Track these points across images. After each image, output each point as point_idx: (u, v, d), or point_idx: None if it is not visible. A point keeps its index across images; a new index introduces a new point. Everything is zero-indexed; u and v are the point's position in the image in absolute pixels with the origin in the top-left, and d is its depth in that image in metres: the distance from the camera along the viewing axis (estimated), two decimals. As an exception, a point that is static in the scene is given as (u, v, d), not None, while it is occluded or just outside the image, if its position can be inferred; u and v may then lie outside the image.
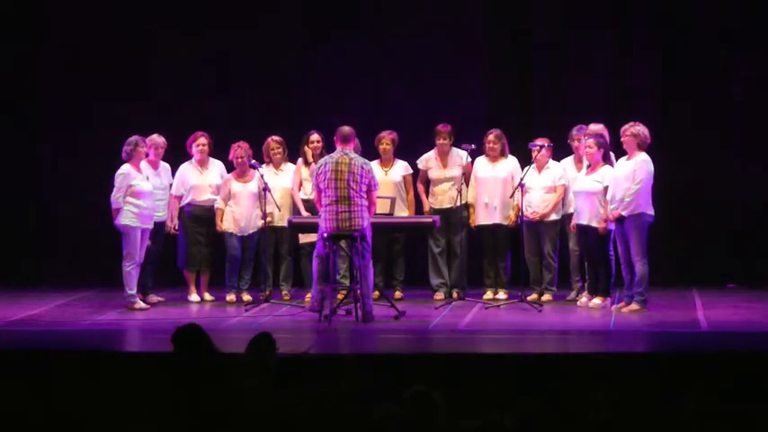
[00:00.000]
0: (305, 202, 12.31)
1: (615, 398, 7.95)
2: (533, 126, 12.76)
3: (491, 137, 12.16)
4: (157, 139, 12.13)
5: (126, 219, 11.70)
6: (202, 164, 12.31)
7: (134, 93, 13.39)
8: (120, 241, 11.75)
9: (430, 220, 11.75)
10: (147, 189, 11.76)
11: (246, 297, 12.31)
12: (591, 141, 11.45)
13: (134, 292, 11.73)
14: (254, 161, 12.07)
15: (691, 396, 7.92)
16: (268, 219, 12.09)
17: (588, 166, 11.53)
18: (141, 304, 11.76)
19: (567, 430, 7.74)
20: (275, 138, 12.39)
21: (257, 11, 13.52)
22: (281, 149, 12.38)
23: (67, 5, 13.59)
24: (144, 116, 12.91)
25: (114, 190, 11.69)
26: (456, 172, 12.26)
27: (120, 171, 11.72)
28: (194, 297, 12.34)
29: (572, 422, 7.75)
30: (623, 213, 11.09)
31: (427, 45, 13.42)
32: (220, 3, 13.57)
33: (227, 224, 12.25)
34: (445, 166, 12.33)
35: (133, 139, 11.78)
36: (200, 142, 12.28)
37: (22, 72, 13.64)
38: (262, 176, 11.99)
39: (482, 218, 12.22)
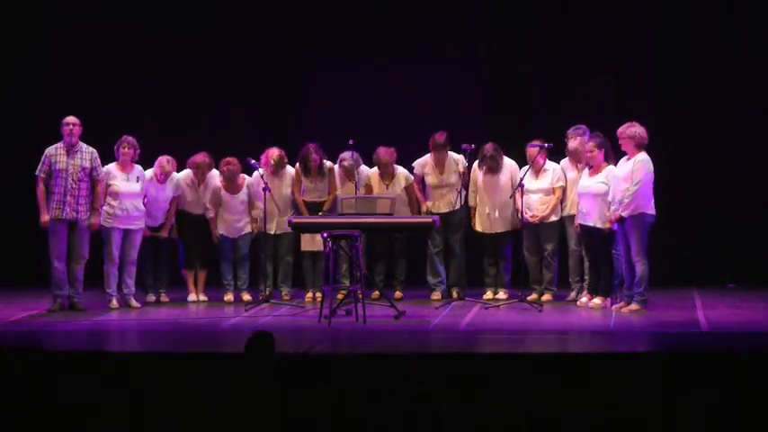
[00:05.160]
0: (305, 203, 12.31)
1: (615, 398, 7.96)
2: (531, 127, 12.77)
3: (488, 152, 12.06)
4: (165, 165, 12.10)
5: (102, 218, 11.79)
6: (200, 183, 12.33)
7: (138, 96, 13.45)
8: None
9: (430, 220, 11.74)
10: (124, 190, 11.81)
11: (246, 297, 12.32)
12: (591, 145, 11.47)
13: (111, 290, 11.85)
14: (253, 161, 12.08)
15: (691, 396, 7.94)
16: (254, 225, 12.22)
17: (590, 168, 11.55)
18: (114, 303, 11.84)
19: (566, 430, 7.74)
20: (275, 153, 12.27)
21: (257, 26, 13.54)
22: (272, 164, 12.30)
23: (74, 12, 13.66)
24: (145, 118, 12.98)
25: None
26: (453, 179, 12.25)
27: (104, 167, 11.81)
28: (192, 297, 12.37)
29: (571, 422, 7.76)
30: (623, 214, 11.09)
31: (427, 47, 13.44)
32: (223, 19, 13.60)
33: (219, 228, 12.33)
34: (442, 173, 12.32)
35: (120, 139, 11.84)
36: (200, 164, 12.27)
37: (24, 73, 13.68)
38: (262, 176, 12.03)
39: (483, 226, 12.24)
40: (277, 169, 12.23)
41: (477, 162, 12.21)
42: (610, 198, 11.25)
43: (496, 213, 12.17)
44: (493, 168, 12.10)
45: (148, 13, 13.61)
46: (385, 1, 13.59)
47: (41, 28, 13.75)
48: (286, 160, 12.32)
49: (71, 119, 11.72)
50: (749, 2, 13.17)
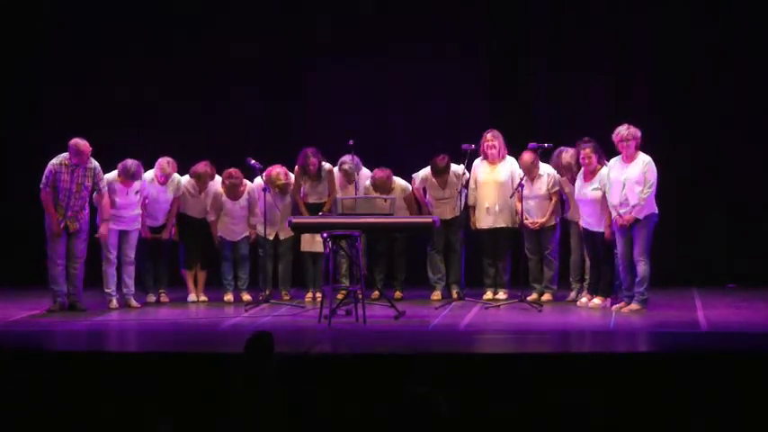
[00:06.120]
0: (306, 205, 12.30)
1: (615, 398, 7.96)
2: (531, 128, 12.77)
3: (489, 135, 12.13)
4: (166, 167, 12.10)
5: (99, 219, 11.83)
6: (201, 191, 12.33)
7: (138, 96, 13.48)
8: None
9: (430, 220, 11.73)
10: (122, 202, 11.89)
11: (246, 297, 12.32)
12: (588, 151, 11.45)
13: (110, 290, 11.88)
14: (253, 161, 12.08)
15: (691, 396, 7.94)
16: (252, 231, 12.27)
17: (586, 173, 11.54)
18: (114, 303, 11.87)
19: (566, 430, 7.75)
20: (280, 180, 12.24)
21: (257, 26, 13.55)
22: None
23: (73, 19, 13.66)
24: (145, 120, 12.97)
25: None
26: (455, 189, 12.22)
27: (105, 176, 11.80)
28: (192, 297, 12.38)
29: (572, 422, 7.76)
30: (639, 218, 11.11)
31: (427, 47, 13.44)
32: (223, 19, 13.61)
33: (219, 231, 12.34)
34: (444, 188, 12.31)
35: (126, 164, 11.79)
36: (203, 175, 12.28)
37: (24, 72, 13.70)
38: (262, 177, 12.04)
39: (483, 222, 12.23)
40: (281, 194, 12.23)
41: (476, 160, 12.20)
42: (615, 201, 11.19)
43: (497, 208, 12.15)
44: (492, 155, 12.07)
45: (148, 14, 13.60)
46: (385, 1, 13.59)
47: (41, 27, 13.75)
48: (291, 181, 12.28)
49: (85, 147, 11.59)
50: (749, 2, 13.16)
